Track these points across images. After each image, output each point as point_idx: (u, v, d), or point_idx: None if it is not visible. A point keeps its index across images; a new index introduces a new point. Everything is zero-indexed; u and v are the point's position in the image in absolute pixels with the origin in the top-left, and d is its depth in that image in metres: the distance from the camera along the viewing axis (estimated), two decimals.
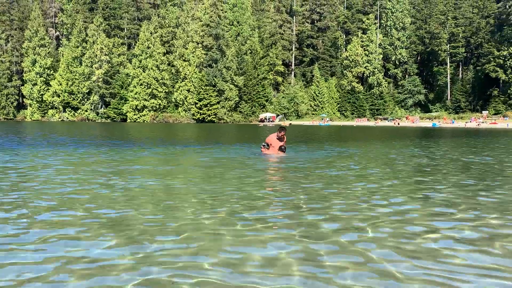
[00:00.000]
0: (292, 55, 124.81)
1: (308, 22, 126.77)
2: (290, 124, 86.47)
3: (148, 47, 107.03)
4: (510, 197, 6.99)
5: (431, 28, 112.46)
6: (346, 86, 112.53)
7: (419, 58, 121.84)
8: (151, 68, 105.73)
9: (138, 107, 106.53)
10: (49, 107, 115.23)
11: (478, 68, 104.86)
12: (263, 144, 13.90)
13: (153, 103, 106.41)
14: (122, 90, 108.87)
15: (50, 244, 4.29)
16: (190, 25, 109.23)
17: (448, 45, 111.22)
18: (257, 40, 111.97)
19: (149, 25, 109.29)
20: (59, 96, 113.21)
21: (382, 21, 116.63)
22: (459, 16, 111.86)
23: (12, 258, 3.89)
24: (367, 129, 56.01)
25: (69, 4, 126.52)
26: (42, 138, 25.80)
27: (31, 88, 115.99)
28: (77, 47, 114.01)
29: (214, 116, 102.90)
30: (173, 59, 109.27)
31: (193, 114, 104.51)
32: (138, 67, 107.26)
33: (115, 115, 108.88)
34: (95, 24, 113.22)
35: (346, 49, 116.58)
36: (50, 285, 3.37)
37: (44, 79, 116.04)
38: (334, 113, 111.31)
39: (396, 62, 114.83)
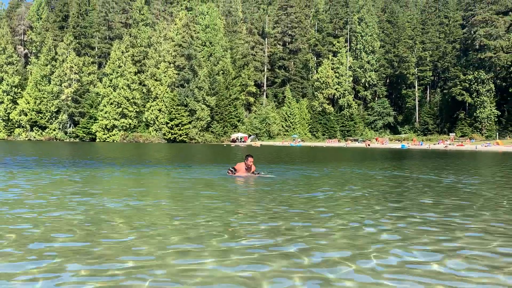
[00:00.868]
0: (264, 76, 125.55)
1: (280, 44, 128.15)
2: (261, 145, 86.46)
3: (119, 66, 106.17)
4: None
5: (399, 52, 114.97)
6: (317, 107, 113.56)
7: (388, 81, 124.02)
8: (122, 87, 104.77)
9: (107, 127, 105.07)
10: (16, 126, 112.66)
11: (445, 91, 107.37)
12: (230, 168, 13.42)
13: (123, 122, 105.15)
14: (92, 109, 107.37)
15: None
16: (162, 45, 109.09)
17: (416, 69, 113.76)
18: (229, 60, 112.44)
19: (121, 44, 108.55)
20: (26, 115, 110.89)
21: (352, 45, 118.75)
22: (427, 41, 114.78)
23: None
24: (338, 150, 56.45)
25: (38, 22, 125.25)
26: (9, 158, 25.02)
27: None
28: (46, 65, 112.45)
29: (185, 136, 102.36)
30: (145, 78, 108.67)
31: (164, 134, 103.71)
32: (109, 86, 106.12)
33: (84, 135, 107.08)
34: (65, 43, 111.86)
35: (317, 71, 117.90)
36: None
37: (11, 97, 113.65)
38: (305, 134, 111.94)
39: (366, 84, 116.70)
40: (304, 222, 6.16)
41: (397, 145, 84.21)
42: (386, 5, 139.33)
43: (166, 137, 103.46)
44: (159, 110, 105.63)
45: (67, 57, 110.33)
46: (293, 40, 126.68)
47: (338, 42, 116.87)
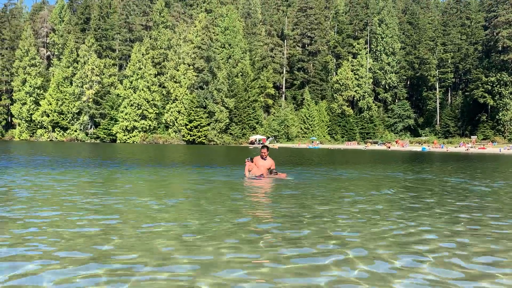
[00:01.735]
0: (283, 78, 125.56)
1: (299, 46, 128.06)
2: (278, 147, 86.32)
3: (140, 68, 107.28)
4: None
5: (420, 54, 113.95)
6: (336, 110, 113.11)
7: (408, 83, 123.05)
8: (142, 89, 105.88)
9: (128, 128, 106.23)
10: (38, 126, 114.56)
11: (466, 93, 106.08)
12: (248, 159, 13.79)
13: (143, 124, 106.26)
14: (112, 110, 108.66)
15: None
16: (181, 47, 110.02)
17: (437, 71, 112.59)
18: (248, 62, 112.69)
19: (141, 47, 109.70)
20: (48, 116, 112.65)
21: (372, 46, 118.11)
22: (448, 42, 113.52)
23: None
24: (358, 153, 56.12)
25: (61, 25, 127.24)
26: (39, 158, 25.53)
27: (20, 108, 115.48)
28: (68, 67, 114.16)
29: (204, 137, 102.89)
30: (164, 80, 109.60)
31: (183, 136, 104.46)
32: (129, 88, 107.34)
33: (105, 136, 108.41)
34: (86, 45, 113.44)
35: (336, 73, 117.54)
36: None
37: (34, 99, 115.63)
38: (324, 136, 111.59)
39: (386, 86, 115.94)
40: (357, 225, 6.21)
41: (417, 148, 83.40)
42: (406, 7, 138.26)
43: (185, 138, 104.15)
44: (179, 111, 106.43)
45: (88, 59, 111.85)
46: (313, 42, 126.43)
47: (358, 43, 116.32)
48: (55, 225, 6.03)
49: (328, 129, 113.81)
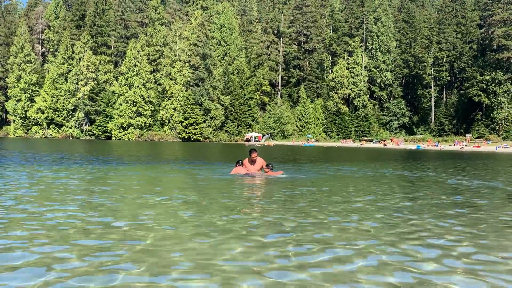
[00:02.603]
0: (278, 75, 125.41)
1: (295, 44, 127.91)
2: (274, 145, 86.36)
3: (135, 65, 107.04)
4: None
5: (415, 52, 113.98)
6: (332, 107, 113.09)
7: (404, 81, 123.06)
8: (138, 86, 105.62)
9: (123, 125, 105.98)
10: (33, 123, 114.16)
11: (461, 92, 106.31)
12: (238, 161, 13.79)
13: (139, 121, 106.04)
14: (108, 107, 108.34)
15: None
16: (177, 44, 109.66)
17: (433, 69, 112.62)
18: (244, 60, 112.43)
19: (137, 43, 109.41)
20: (43, 113, 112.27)
21: (368, 44, 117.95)
22: (443, 41, 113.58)
23: None
24: (355, 151, 56.21)
25: (56, 21, 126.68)
26: (37, 155, 25.50)
27: (15, 104, 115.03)
28: (63, 63, 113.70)
29: (199, 135, 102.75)
30: (160, 77, 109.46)
31: (179, 133, 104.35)
32: (124, 85, 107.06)
33: (100, 133, 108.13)
34: (82, 41, 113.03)
35: (332, 71, 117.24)
36: None
37: (29, 95, 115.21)
38: (319, 134, 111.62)
39: (381, 84, 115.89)
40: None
41: (412, 146, 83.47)
42: (402, 5, 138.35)
43: (180, 135, 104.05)
44: (174, 109, 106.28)
45: (83, 55, 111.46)
46: (308, 39, 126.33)
47: (353, 41, 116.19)
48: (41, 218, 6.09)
49: (324, 127, 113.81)
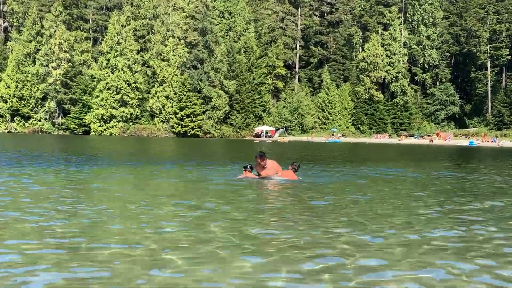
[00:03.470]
0: (296, 55, 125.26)
1: (316, 15, 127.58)
2: (289, 141, 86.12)
3: (118, 43, 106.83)
4: None
5: (467, 25, 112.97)
6: (362, 94, 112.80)
7: (453, 61, 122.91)
8: (122, 69, 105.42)
9: (104, 117, 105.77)
10: None
11: None
12: (248, 165, 14.28)
13: (123, 112, 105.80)
14: (85, 95, 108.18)
15: None
16: (170, 16, 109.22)
17: (489, 46, 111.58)
18: (253, 36, 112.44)
19: (120, 16, 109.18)
20: (6, 102, 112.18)
21: (408, 15, 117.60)
22: (502, 11, 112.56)
23: None
24: (390, 148, 54.56)
25: None
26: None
27: None
28: (30, 41, 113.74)
29: (198, 129, 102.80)
30: (149, 58, 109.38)
31: (173, 127, 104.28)
32: (106, 68, 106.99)
33: (76, 127, 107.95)
34: (53, 14, 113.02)
35: (363, 49, 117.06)
36: None
37: None
38: (347, 127, 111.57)
39: (425, 65, 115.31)
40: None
41: (464, 142, 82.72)
42: None
43: (175, 130, 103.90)
44: (167, 97, 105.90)
45: (55, 31, 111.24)
46: (333, 10, 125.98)
47: (390, 12, 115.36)
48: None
49: (352, 118, 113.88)
